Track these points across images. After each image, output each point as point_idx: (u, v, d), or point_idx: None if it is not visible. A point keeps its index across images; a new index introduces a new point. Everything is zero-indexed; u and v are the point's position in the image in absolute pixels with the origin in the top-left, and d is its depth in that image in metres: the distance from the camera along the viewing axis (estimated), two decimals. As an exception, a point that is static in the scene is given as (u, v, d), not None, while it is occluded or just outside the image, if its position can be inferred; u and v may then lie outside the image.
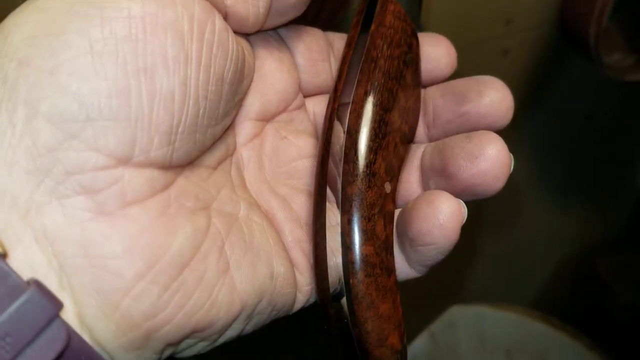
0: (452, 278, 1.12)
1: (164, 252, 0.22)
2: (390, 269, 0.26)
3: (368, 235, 0.26)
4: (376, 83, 0.28)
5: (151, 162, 0.23)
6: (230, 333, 0.26)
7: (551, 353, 0.88)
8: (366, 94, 0.27)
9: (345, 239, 0.26)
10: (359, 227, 0.26)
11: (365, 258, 0.26)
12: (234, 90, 0.26)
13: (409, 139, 0.28)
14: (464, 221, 0.27)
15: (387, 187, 0.26)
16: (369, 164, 0.26)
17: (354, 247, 0.26)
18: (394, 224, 0.27)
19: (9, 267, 0.20)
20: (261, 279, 0.26)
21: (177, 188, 0.24)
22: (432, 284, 1.12)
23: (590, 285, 1.11)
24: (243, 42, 0.27)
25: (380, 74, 0.28)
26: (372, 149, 0.26)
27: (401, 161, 0.27)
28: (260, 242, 0.27)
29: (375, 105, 0.27)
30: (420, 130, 0.32)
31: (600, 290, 1.08)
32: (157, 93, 0.22)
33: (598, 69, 0.78)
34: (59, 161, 0.21)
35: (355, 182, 0.26)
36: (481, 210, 1.06)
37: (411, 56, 0.29)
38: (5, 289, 0.19)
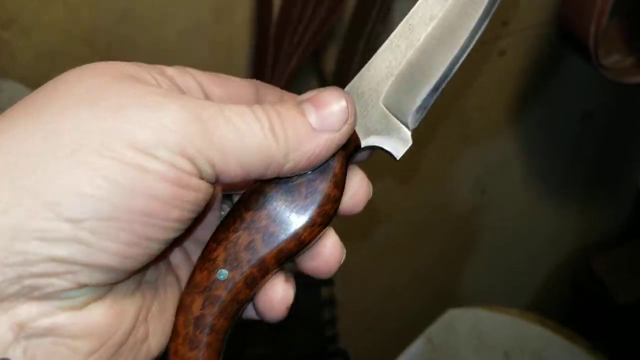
0: (449, 280, 1.11)
1: (114, 333, 0.27)
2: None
3: (179, 308, 0.31)
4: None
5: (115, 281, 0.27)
6: None
7: (549, 355, 0.87)
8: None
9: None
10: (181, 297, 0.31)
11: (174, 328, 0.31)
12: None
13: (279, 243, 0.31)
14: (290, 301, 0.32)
15: (222, 274, 0.30)
16: (210, 250, 0.30)
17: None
18: (222, 308, 0.31)
19: None
20: (168, 338, 0.31)
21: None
22: (428, 287, 1.12)
23: (588, 285, 1.11)
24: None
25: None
26: (217, 239, 0.31)
27: (257, 255, 0.30)
28: (172, 304, 0.31)
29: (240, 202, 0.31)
30: None
31: (598, 290, 1.08)
32: (148, 254, 0.27)
33: (596, 70, 0.77)
34: (50, 285, 0.25)
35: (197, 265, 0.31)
36: (477, 211, 1.05)
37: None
38: None
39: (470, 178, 1.01)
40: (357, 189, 0.33)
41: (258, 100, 0.33)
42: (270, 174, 0.29)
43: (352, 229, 0.95)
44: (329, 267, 0.33)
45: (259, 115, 0.28)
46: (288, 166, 0.29)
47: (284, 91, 0.35)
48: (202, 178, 0.27)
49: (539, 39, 0.89)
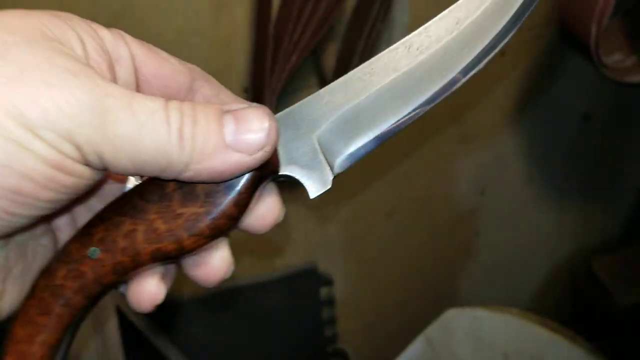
0: (448, 281, 1.11)
1: None
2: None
3: (44, 270, 0.29)
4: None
5: None
6: None
7: (548, 356, 0.87)
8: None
9: None
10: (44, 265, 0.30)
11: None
12: None
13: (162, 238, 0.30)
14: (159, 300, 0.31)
15: (94, 253, 0.29)
16: (91, 225, 0.29)
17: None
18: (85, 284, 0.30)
19: None
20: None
21: None
22: (427, 287, 1.11)
23: (588, 287, 1.11)
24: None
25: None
26: (102, 216, 0.29)
27: (134, 246, 0.29)
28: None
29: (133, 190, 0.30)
30: None
31: (598, 291, 1.08)
32: (10, 227, 0.26)
33: (598, 69, 0.77)
34: None
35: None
36: (476, 212, 1.05)
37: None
38: None
39: (470, 178, 1.00)
40: (267, 212, 0.31)
41: (191, 90, 0.32)
42: (167, 177, 0.27)
43: (351, 228, 0.95)
44: (211, 279, 0.31)
45: (171, 116, 0.26)
46: (187, 175, 0.27)
47: (223, 88, 0.33)
48: (87, 165, 0.25)
49: (539, 39, 0.89)
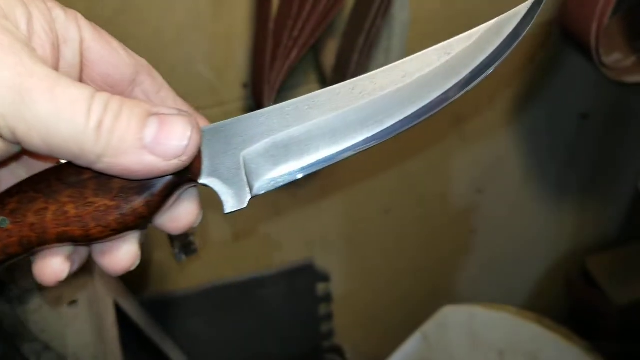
0: (444, 278, 1.11)
1: None
2: None
3: None
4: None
5: None
6: None
7: (544, 354, 0.87)
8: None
9: None
10: None
11: None
12: None
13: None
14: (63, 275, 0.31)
15: (3, 222, 0.29)
16: (7, 194, 0.30)
17: None
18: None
19: None
20: None
21: None
22: (423, 284, 1.12)
23: (583, 285, 1.11)
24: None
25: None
26: (19, 188, 0.30)
27: (42, 224, 0.30)
28: None
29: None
30: None
31: (593, 290, 1.08)
32: None
33: (597, 68, 0.77)
34: None
35: None
36: (473, 210, 1.05)
37: None
38: None
39: (468, 176, 1.01)
40: (181, 216, 0.32)
41: (133, 83, 0.32)
42: (80, 164, 0.27)
43: (348, 225, 0.95)
44: (114, 269, 0.31)
45: (93, 108, 0.26)
46: (99, 166, 0.27)
47: (166, 86, 0.33)
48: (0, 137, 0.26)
49: (539, 38, 0.89)
